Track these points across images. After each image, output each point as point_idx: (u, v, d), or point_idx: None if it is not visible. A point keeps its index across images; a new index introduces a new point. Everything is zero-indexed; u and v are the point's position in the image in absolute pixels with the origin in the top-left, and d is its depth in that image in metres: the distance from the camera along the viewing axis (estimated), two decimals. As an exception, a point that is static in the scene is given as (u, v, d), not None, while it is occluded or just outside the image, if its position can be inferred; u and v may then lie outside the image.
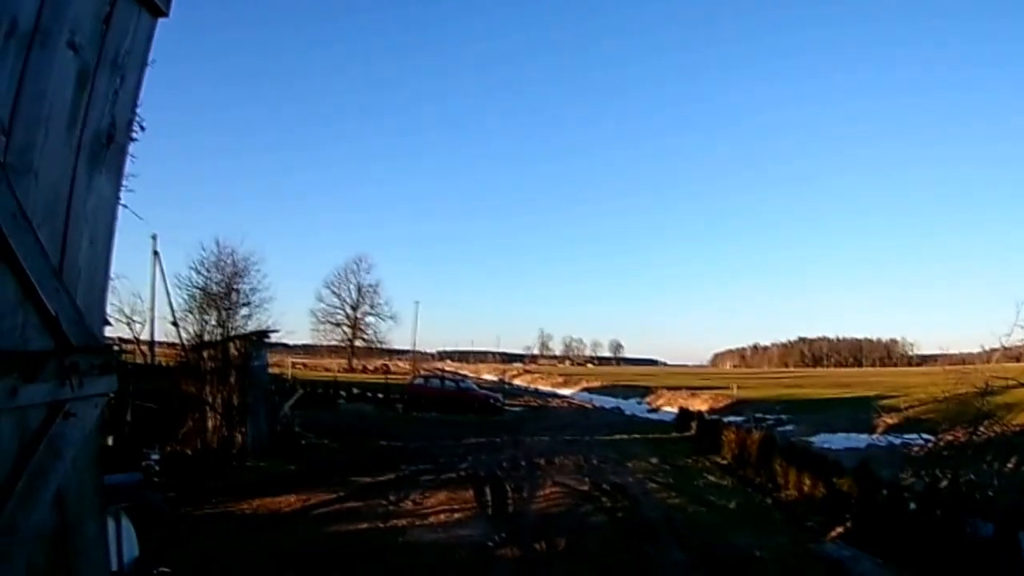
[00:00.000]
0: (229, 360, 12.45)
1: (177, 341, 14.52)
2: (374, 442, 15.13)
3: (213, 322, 13.23)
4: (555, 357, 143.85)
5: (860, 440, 20.26)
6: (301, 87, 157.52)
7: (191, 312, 13.79)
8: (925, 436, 14.57)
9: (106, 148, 1.92)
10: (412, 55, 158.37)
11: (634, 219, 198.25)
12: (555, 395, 47.63)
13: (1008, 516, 5.84)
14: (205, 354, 12.60)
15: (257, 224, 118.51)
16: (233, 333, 13.05)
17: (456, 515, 8.45)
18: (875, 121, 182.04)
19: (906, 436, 18.56)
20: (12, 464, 1.57)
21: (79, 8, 1.72)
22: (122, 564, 2.85)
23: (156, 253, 18.55)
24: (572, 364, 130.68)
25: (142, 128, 1.86)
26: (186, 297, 14.32)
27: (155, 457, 9.27)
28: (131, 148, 2.14)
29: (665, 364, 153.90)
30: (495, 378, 56.72)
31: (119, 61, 1.94)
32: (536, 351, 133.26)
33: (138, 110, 2.07)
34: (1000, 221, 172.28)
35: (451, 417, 22.53)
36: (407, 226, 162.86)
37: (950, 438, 11.08)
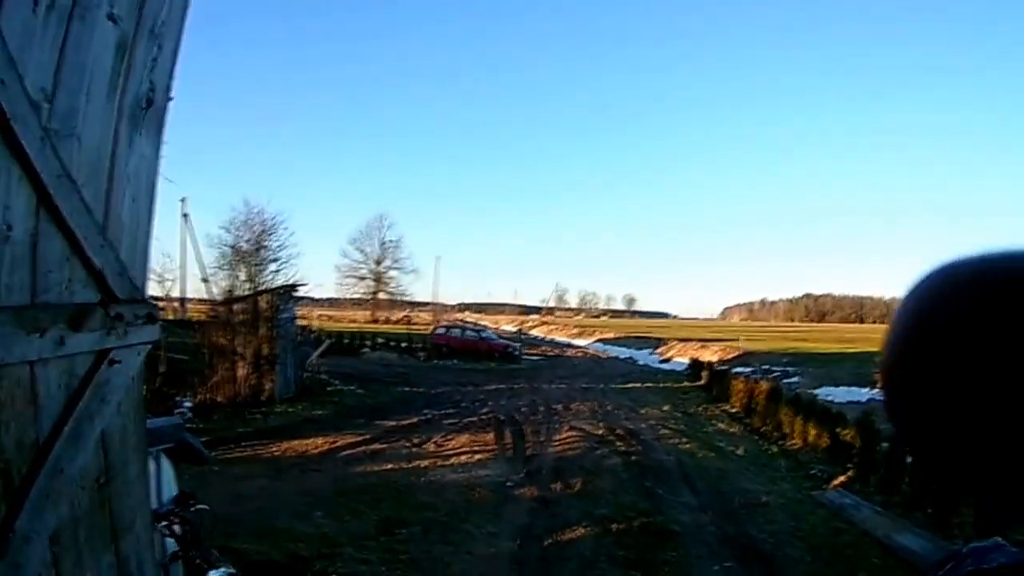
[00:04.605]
0: (259, 313, 12.85)
1: (207, 297, 14.99)
2: (397, 388, 15.54)
3: (243, 278, 13.60)
4: (570, 309, 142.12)
5: (861, 394, 20.18)
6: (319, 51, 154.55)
7: (221, 269, 14.19)
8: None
9: (145, 111, 1.99)
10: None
11: (648, 175, 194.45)
12: (570, 345, 48.09)
13: None
14: (235, 308, 13.00)
15: (283, 179, 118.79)
16: (262, 287, 13.40)
17: (477, 457, 8.72)
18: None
19: (907, 392, 18.40)
20: (60, 409, 1.64)
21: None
22: (161, 502, 3.01)
23: (186, 216, 18.95)
24: (587, 316, 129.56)
25: (169, 98, 1.92)
26: (216, 255, 14.68)
27: (188, 404, 9.64)
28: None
29: (676, 317, 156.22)
30: (513, 329, 57.17)
31: (156, 30, 1.99)
32: (552, 304, 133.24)
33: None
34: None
35: (471, 365, 23.04)
36: (426, 179, 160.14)
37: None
